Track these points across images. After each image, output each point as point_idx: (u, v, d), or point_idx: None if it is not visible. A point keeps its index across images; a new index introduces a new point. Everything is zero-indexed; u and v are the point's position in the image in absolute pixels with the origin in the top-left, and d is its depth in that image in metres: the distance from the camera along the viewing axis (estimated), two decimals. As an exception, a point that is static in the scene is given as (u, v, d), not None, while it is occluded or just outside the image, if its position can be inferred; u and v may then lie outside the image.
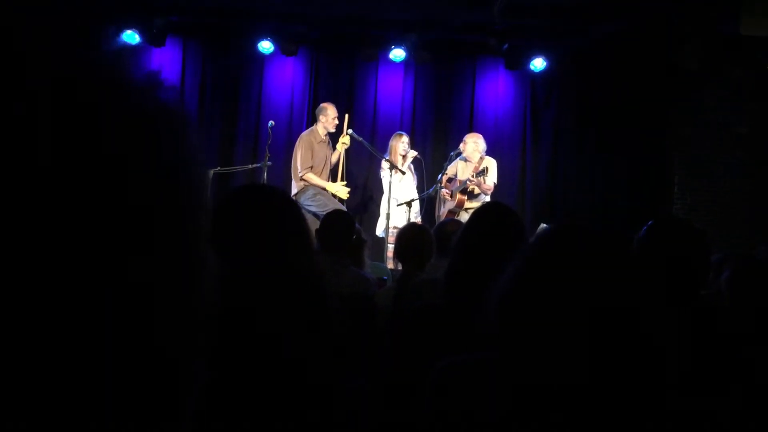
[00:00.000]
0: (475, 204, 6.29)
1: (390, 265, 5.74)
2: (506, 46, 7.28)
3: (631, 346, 1.06)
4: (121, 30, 6.95)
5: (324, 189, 6.46)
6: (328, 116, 6.55)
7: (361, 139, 6.54)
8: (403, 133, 6.81)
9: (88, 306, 0.33)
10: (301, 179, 6.38)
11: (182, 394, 0.39)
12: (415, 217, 6.48)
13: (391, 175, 6.29)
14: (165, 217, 0.36)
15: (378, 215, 6.87)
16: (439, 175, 6.59)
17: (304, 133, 6.65)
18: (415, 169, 6.82)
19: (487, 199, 6.40)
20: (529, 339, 1.08)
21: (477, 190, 6.40)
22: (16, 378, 0.32)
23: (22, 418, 0.32)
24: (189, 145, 0.39)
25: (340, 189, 6.53)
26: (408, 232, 3.52)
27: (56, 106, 0.33)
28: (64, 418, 0.33)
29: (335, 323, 1.37)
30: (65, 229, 0.32)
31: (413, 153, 6.63)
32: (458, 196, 6.43)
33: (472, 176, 6.31)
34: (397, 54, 7.43)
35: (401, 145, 6.60)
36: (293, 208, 1.60)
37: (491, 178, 6.42)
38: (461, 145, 6.63)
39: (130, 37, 7.06)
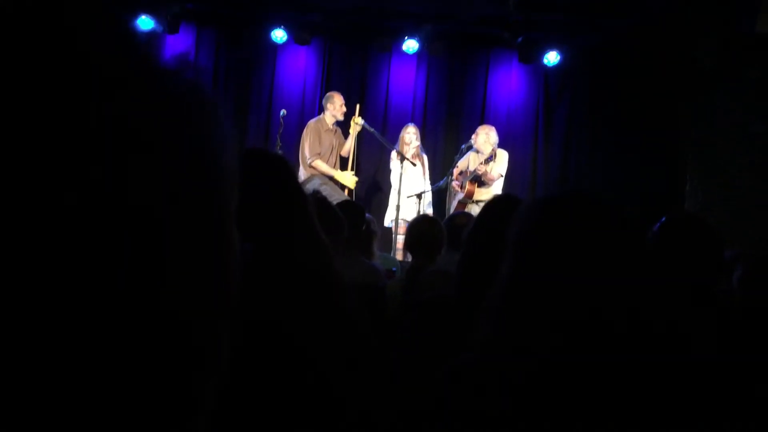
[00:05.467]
0: (485, 196, 6.28)
1: (399, 256, 5.75)
2: (520, 39, 7.24)
3: (639, 340, 1.02)
4: (136, 15, 6.95)
5: (331, 178, 6.47)
6: (335, 104, 6.58)
7: (372, 129, 6.54)
8: (410, 124, 6.80)
9: (116, 285, 0.33)
10: (310, 166, 6.40)
11: (205, 384, 0.39)
12: (427, 208, 6.49)
13: (401, 167, 6.30)
14: (195, 197, 0.37)
15: (386, 206, 6.88)
16: (451, 168, 6.58)
17: (312, 122, 6.67)
18: (425, 160, 6.82)
19: (498, 191, 6.39)
20: (528, 336, 1.04)
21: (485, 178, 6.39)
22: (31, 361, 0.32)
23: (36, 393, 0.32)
24: (219, 126, 0.39)
25: (348, 178, 6.54)
26: (419, 224, 3.52)
27: (92, 85, 0.33)
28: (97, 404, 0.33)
29: (344, 311, 1.34)
30: (95, 206, 0.32)
31: (415, 144, 6.60)
32: (468, 185, 6.42)
33: (482, 163, 6.30)
34: (411, 45, 7.41)
35: (407, 136, 6.60)
36: (288, 178, 1.34)
37: (497, 169, 6.40)
38: (473, 137, 6.62)
39: (145, 22, 7.07)
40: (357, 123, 6.54)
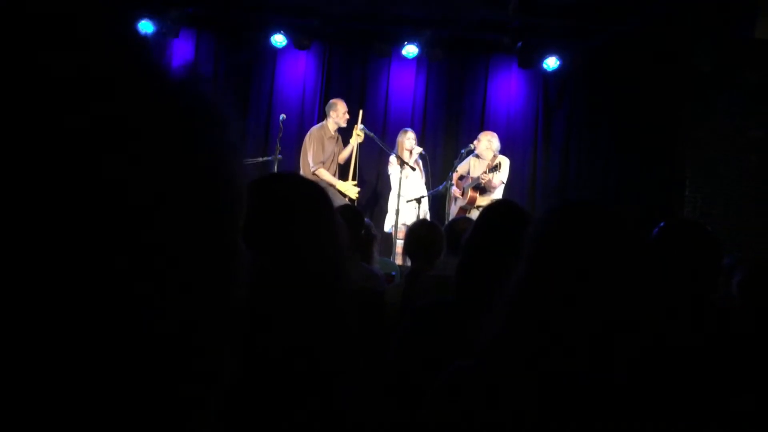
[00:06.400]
0: (487, 202, 6.28)
1: (398, 261, 5.74)
2: (520, 44, 7.25)
3: (639, 348, 1.03)
4: (136, 19, 6.94)
5: (332, 186, 6.48)
6: (339, 112, 6.58)
7: (372, 134, 6.55)
8: (408, 129, 6.81)
9: (123, 296, 0.34)
10: (313, 174, 6.41)
11: (208, 393, 0.39)
12: (425, 214, 6.48)
13: (401, 171, 6.30)
14: (202, 209, 0.37)
15: (386, 211, 6.88)
16: (450, 173, 6.58)
17: (314, 128, 6.68)
18: (422, 166, 6.82)
19: (499, 196, 6.39)
20: (538, 341, 1.04)
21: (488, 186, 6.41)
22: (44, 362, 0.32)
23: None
24: (228, 139, 0.39)
25: (350, 188, 6.55)
26: (418, 229, 3.52)
27: (95, 91, 0.33)
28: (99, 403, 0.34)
29: (348, 326, 1.33)
30: (102, 216, 0.33)
31: (418, 149, 6.63)
32: (470, 192, 6.42)
33: (485, 172, 6.31)
34: (410, 50, 7.41)
35: (407, 141, 6.60)
36: (322, 200, 1.37)
37: (499, 176, 6.40)
38: (475, 142, 6.63)
39: (145, 26, 7.05)
40: (359, 134, 6.55)
